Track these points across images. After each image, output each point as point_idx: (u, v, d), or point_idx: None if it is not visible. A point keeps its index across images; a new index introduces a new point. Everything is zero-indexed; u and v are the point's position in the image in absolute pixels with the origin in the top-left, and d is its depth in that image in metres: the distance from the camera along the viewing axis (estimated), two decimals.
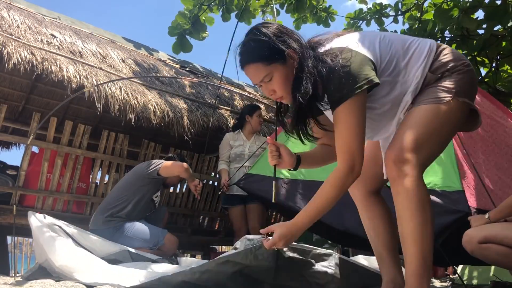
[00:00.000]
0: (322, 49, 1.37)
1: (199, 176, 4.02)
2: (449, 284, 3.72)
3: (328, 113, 1.44)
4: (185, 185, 4.34)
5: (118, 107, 3.46)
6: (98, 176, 3.89)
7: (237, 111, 4.59)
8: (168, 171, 3.18)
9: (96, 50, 4.07)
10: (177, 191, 4.38)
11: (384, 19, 5.84)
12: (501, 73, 5.17)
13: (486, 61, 4.97)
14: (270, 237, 1.38)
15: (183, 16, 5.43)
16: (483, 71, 5.26)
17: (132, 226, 3.01)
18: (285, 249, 1.56)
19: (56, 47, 3.62)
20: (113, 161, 3.84)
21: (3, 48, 3.11)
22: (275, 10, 4.65)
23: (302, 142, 1.48)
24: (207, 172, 4.51)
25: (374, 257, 1.68)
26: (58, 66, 3.33)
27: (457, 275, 3.83)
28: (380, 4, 5.85)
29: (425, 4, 5.30)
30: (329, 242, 4.80)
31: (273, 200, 1.69)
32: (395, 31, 5.23)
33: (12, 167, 3.63)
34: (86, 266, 2.09)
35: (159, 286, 1.70)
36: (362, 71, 1.27)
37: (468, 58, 3.96)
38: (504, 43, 4.76)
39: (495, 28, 4.59)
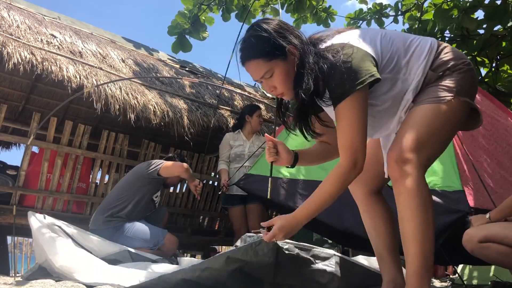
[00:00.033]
0: (323, 45, 1.36)
1: (199, 176, 4.02)
2: (449, 284, 3.72)
3: (328, 110, 1.44)
4: (185, 185, 4.33)
5: (118, 107, 3.46)
6: (98, 176, 3.89)
7: (237, 111, 4.59)
8: (168, 171, 3.18)
9: (96, 50, 4.07)
10: (177, 191, 4.37)
11: (384, 19, 5.85)
12: (501, 73, 5.17)
13: (486, 61, 4.98)
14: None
15: (183, 15, 5.43)
16: (483, 71, 5.27)
17: (132, 226, 3.01)
18: (285, 246, 1.56)
19: (56, 47, 3.62)
20: (113, 161, 3.83)
21: (3, 48, 3.11)
22: (279, 9, 4.63)
23: (306, 138, 1.47)
24: (207, 172, 4.51)
25: (374, 258, 1.68)
26: (58, 66, 3.33)
27: (457, 275, 3.83)
28: (380, 4, 5.85)
29: (425, 4, 5.30)
30: (329, 242, 4.81)
31: (268, 197, 1.70)
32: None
33: (12, 167, 3.63)
34: (86, 266, 2.09)
35: (159, 285, 1.69)
36: (364, 66, 1.26)
37: (468, 58, 3.96)
38: (504, 43, 4.77)
39: (495, 28, 4.59)
